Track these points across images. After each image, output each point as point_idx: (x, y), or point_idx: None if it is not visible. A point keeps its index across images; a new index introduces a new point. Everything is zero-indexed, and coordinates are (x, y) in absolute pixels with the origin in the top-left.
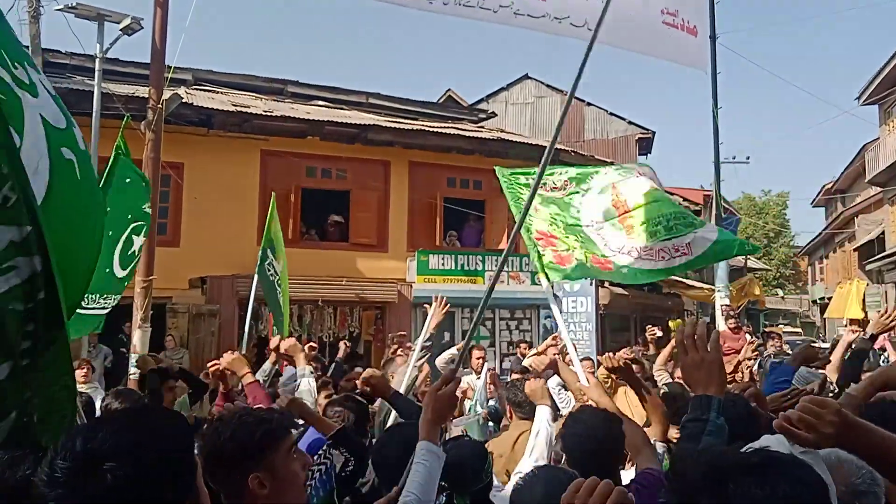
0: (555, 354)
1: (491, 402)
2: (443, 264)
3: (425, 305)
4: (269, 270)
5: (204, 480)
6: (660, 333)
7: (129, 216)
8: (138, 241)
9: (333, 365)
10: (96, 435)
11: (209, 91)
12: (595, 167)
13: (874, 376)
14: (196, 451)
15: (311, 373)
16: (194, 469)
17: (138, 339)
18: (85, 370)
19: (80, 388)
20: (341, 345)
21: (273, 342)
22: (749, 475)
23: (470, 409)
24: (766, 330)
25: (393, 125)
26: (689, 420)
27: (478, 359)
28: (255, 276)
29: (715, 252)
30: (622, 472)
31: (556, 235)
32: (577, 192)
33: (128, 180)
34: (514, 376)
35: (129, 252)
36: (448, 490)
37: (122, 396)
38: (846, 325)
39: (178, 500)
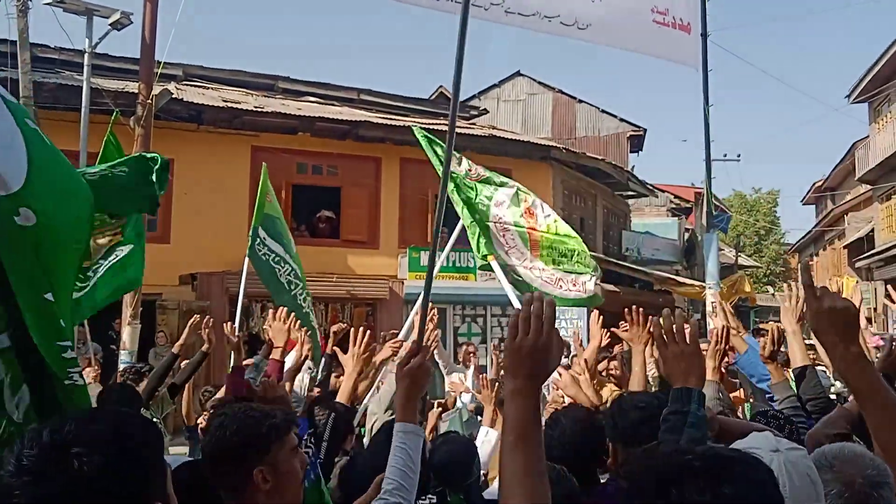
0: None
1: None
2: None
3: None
4: (262, 249)
5: (206, 476)
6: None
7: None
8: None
9: (323, 359)
10: (64, 425)
11: (199, 87)
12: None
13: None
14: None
15: (309, 369)
16: (165, 473)
17: (128, 335)
18: (97, 371)
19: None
20: (330, 341)
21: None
22: (692, 479)
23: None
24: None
25: (384, 122)
26: (670, 412)
27: (468, 353)
28: (245, 260)
29: (587, 300)
30: None
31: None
32: (489, 184)
33: None
34: (487, 377)
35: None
36: (440, 488)
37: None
38: None
39: (148, 501)
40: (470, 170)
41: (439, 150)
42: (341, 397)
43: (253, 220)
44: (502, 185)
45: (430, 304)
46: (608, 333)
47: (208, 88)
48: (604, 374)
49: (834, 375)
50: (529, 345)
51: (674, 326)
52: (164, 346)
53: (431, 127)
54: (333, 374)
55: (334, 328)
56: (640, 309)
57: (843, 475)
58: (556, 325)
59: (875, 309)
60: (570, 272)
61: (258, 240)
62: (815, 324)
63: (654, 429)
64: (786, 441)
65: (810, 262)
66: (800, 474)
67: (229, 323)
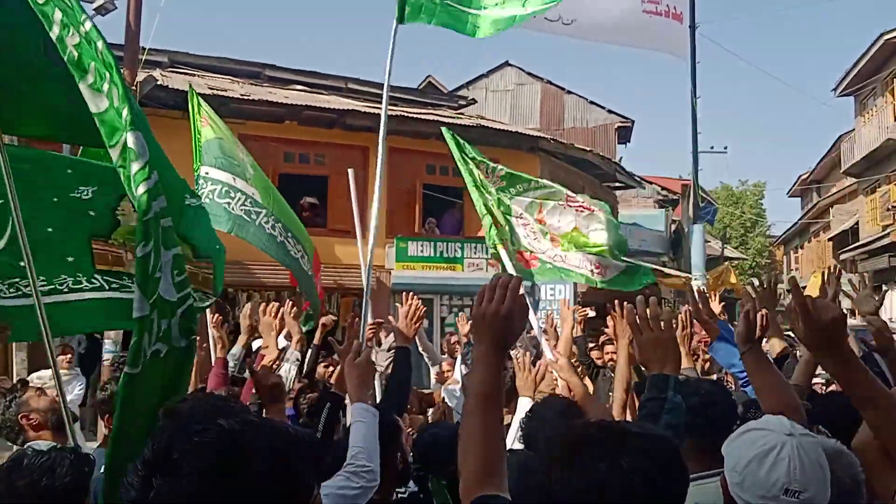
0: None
1: None
2: (422, 251)
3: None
4: (205, 187)
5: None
6: (592, 314)
7: None
8: None
9: (310, 350)
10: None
11: (185, 74)
12: (525, 180)
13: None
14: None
15: (297, 360)
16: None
17: None
18: (70, 356)
19: (63, 373)
20: (317, 333)
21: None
22: (594, 448)
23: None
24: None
25: (372, 111)
26: (647, 399)
27: (453, 344)
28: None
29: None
30: None
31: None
32: (506, 193)
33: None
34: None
35: None
36: (423, 471)
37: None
38: None
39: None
40: (487, 176)
41: (469, 151)
42: (339, 388)
43: (193, 162)
44: (520, 193)
45: (414, 294)
46: (583, 321)
47: (194, 76)
48: (599, 361)
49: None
50: (492, 311)
51: (648, 313)
52: None
53: (419, 116)
54: (322, 364)
55: (323, 320)
56: (625, 303)
57: (834, 475)
58: (532, 297)
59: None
60: (596, 256)
61: (200, 179)
62: (808, 341)
63: (717, 419)
64: (800, 427)
65: (796, 255)
66: (811, 460)
67: (217, 315)
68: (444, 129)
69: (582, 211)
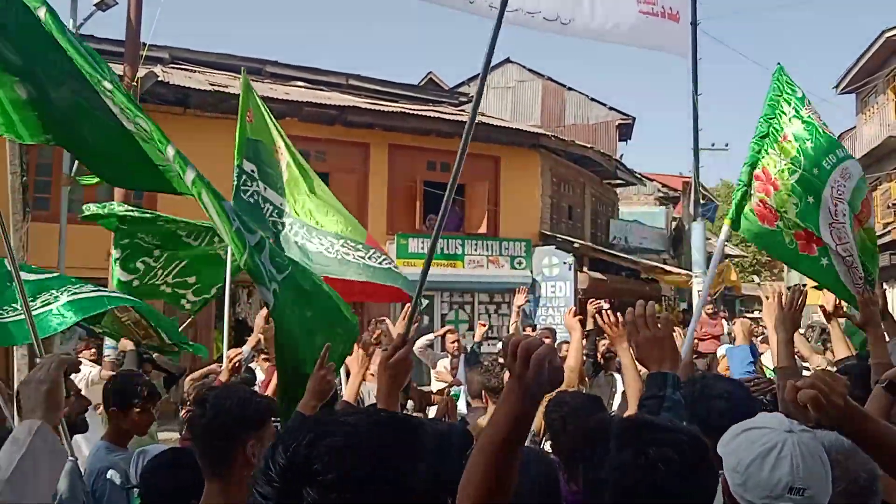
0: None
1: None
2: (422, 248)
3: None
4: (249, 188)
5: (193, 451)
6: (607, 305)
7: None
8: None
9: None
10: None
11: (186, 70)
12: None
13: (780, 335)
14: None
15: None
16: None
17: None
18: (93, 350)
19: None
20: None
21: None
22: (617, 438)
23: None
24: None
25: (373, 107)
26: (647, 398)
27: (452, 342)
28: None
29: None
30: None
31: (777, 184)
32: (832, 156)
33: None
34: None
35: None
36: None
37: None
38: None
39: None
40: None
41: (786, 99)
42: (347, 397)
43: (235, 152)
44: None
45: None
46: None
47: (195, 72)
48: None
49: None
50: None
51: (645, 311)
52: None
53: (420, 113)
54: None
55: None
56: (609, 310)
57: (849, 471)
58: (533, 294)
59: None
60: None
61: (244, 176)
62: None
63: (734, 420)
64: (798, 423)
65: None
66: (812, 457)
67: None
68: (778, 67)
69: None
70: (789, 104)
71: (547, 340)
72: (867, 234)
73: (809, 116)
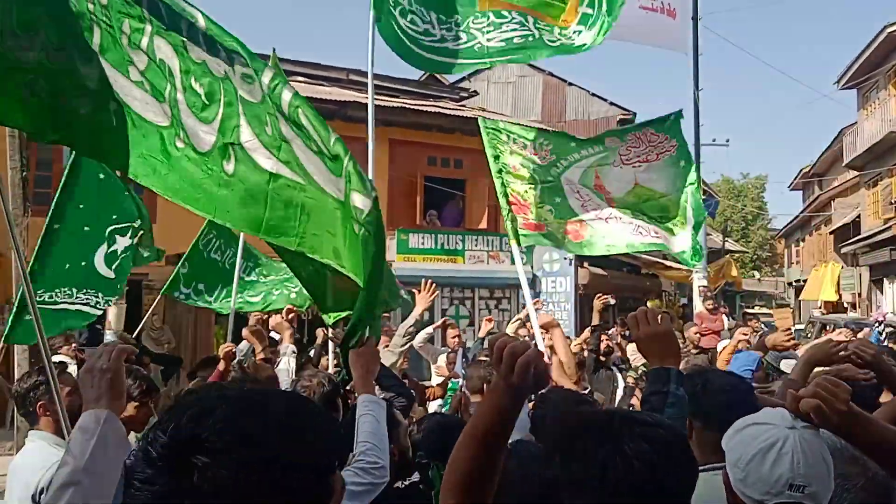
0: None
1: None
2: (423, 243)
3: (413, 290)
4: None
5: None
6: (613, 301)
7: (114, 216)
8: (123, 241)
9: (311, 350)
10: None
11: None
12: (576, 146)
13: (807, 356)
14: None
15: (293, 352)
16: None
17: (113, 315)
18: (73, 345)
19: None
20: (319, 332)
21: (252, 319)
22: (594, 434)
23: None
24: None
25: (375, 102)
26: (650, 393)
27: (453, 338)
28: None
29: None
30: None
31: (528, 204)
32: (556, 167)
33: (101, 176)
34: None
35: (111, 251)
36: (426, 459)
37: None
38: (820, 307)
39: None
40: (536, 152)
41: (515, 132)
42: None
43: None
44: (572, 164)
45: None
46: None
47: None
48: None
49: None
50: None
51: (646, 309)
52: (160, 329)
53: (420, 108)
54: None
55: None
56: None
57: (868, 468)
58: (533, 290)
59: (859, 294)
60: (652, 222)
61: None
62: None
63: (738, 415)
64: (801, 420)
65: (797, 248)
66: (814, 453)
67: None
68: (480, 120)
69: (639, 165)
70: (504, 145)
71: (545, 336)
72: (643, 191)
73: (522, 149)
